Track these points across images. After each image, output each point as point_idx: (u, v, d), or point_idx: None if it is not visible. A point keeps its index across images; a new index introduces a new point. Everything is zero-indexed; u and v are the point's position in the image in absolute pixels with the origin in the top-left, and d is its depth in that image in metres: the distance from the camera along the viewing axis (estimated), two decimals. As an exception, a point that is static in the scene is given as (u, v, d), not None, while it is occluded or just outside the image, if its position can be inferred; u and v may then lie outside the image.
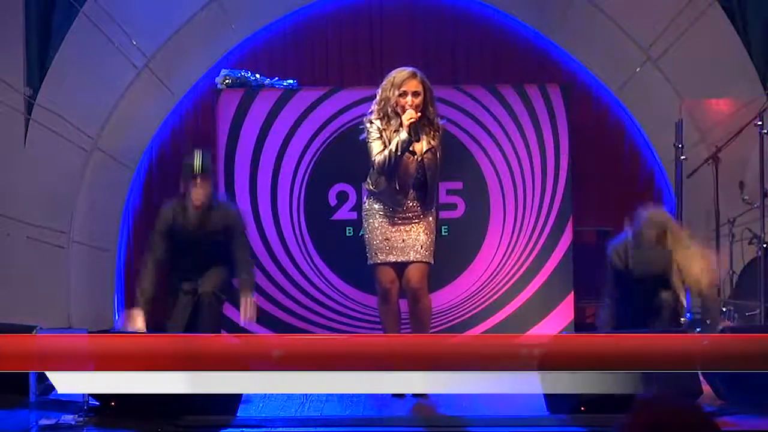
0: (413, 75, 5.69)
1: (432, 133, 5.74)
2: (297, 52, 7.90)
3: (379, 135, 5.69)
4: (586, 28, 7.81)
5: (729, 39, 7.78)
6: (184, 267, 6.14)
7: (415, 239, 5.74)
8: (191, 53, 7.77)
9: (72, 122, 7.68)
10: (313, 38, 7.92)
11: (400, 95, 5.66)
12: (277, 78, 7.50)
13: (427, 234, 5.76)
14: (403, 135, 5.61)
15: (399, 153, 5.63)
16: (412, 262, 5.74)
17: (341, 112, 7.27)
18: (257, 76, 7.46)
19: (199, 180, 6.10)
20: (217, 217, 6.17)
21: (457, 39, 7.92)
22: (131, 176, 7.78)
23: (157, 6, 7.74)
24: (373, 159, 5.70)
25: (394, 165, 5.64)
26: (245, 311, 6.07)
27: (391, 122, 5.69)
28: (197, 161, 6.10)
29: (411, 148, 5.69)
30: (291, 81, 7.47)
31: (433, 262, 5.82)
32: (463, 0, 7.90)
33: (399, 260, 5.76)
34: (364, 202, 5.91)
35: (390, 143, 5.66)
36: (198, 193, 6.10)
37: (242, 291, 6.12)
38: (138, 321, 5.96)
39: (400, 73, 5.71)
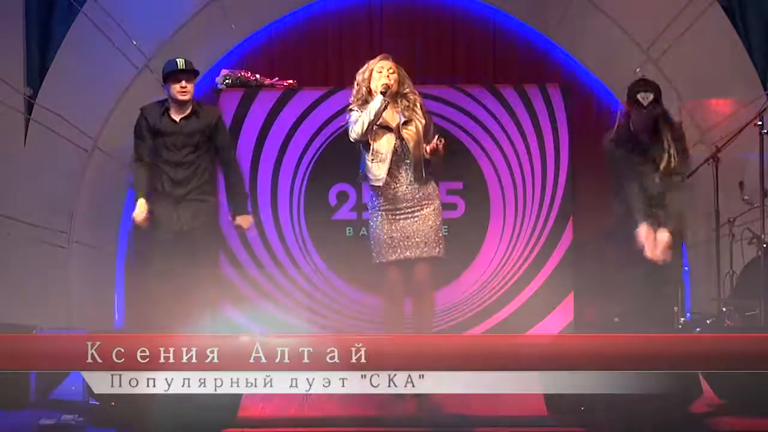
0: (386, 57, 5.87)
1: (410, 107, 5.77)
2: (297, 52, 7.90)
3: (359, 115, 5.73)
4: (586, 28, 7.81)
5: (729, 39, 7.77)
6: (167, 170, 6.18)
7: (418, 233, 5.71)
8: (191, 53, 7.74)
9: (72, 122, 7.68)
10: (313, 38, 7.92)
11: (376, 72, 5.77)
12: (277, 78, 7.50)
13: (431, 224, 5.74)
14: (377, 100, 5.67)
15: (372, 117, 5.66)
16: (418, 258, 5.74)
17: (341, 112, 7.25)
18: (257, 76, 7.46)
19: (183, 78, 6.11)
20: (200, 116, 6.20)
21: (457, 39, 7.92)
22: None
23: (157, 6, 7.74)
24: (350, 134, 5.75)
25: (367, 130, 5.67)
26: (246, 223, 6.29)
27: (367, 102, 5.75)
28: (181, 60, 6.14)
29: (386, 125, 5.71)
30: (291, 81, 7.47)
31: (440, 256, 5.79)
32: (463, 0, 7.91)
33: (404, 257, 5.74)
34: (368, 201, 5.92)
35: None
36: (184, 89, 6.13)
37: (239, 214, 6.29)
38: (141, 214, 6.07)
39: (374, 59, 5.88)
